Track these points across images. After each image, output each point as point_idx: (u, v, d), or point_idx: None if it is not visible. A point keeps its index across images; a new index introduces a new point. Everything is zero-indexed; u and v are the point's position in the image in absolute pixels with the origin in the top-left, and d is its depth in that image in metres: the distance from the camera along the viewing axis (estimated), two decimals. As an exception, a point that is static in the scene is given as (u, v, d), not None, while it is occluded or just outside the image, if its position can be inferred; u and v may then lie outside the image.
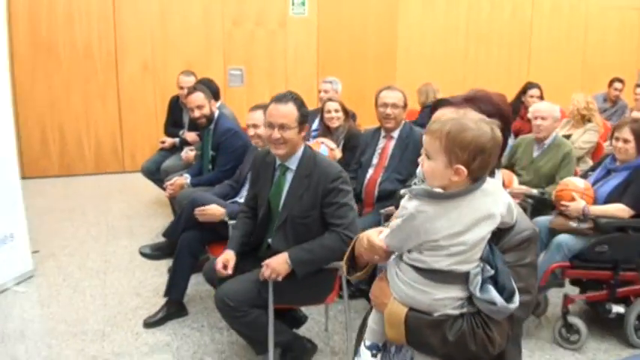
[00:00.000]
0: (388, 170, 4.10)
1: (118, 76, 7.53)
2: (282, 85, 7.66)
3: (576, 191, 3.74)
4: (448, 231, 1.52)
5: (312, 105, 5.32)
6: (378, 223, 3.98)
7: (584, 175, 4.09)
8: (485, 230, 1.54)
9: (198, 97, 4.56)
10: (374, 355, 1.74)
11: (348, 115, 4.81)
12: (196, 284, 4.21)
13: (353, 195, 3.11)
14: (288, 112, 2.99)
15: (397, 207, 3.56)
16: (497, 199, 1.57)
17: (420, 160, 1.61)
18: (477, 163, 1.51)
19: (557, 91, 6.79)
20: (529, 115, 4.83)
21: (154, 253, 4.67)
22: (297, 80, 7.86)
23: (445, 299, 1.57)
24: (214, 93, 5.00)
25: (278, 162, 3.14)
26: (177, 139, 5.88)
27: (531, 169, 4.61)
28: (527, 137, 4.85)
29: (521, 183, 4.52)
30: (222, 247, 3.35)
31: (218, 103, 4.97)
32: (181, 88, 5.61)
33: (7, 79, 4.30)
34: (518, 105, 6.31)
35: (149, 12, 7.45)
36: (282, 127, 2.98)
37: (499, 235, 1.60)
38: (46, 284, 4.44)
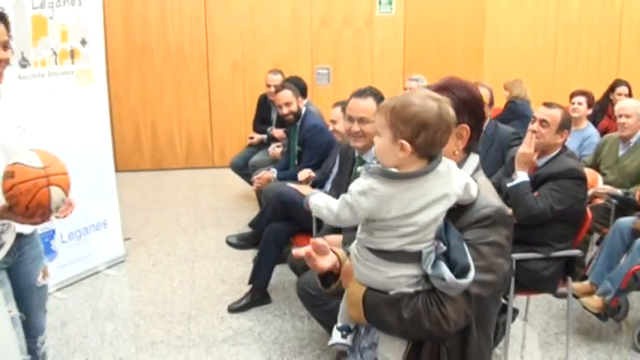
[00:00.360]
0: (473, 167, 4.05)
1: (209, 76, 7.80)
2: (367, 84, 7.54)
3: (660, 192, 3.61)
4: (399, 212, 1.50)
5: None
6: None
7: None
8: (438, 211, 1.52)
9: (286, 95, 4.69)
10: (344, 336, 1.74)
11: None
12: (280, 274, 4.32)
13: None
14: (368, 106, 3.12)
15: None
16: (451, 179, 1.54)
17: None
18: (421, 138, 1.49)
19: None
20: (615, 113, 4.66)
21: (240, 242, 4.81)
22: (383, 78, 7.85)
23: (399, 277, 1.54)
24: (301, 90, 5.10)
25: (357, 154, 3.21)
26: (265, 136, 6.03)
27: (616, 169, 4.46)
28: (612, 136, 4.69)
29: (605, 183, 4.39)
30: (307, 238, 3.41)
31: (305, 101, 5.06)
32: (269, 86, 5.75)
33: (104, 80, 4.56)
34: (606, 103, 6.10)
35: (239, 13, 7.67)
36: (361, 120, 3.12)
37: (459, 211, 1.57)
38: (136, 269, 4.68)
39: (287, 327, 3.77)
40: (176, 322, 3.83)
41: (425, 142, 1.49)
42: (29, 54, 3.99)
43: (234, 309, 3.98)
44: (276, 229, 3.99)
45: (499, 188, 3.39)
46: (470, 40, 8.21)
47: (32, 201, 1.97)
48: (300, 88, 5.03)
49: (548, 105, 3.35)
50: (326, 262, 1.71)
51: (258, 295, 4.05)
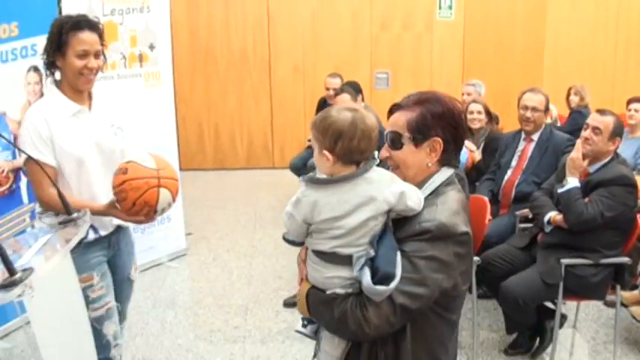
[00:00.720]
0: (526, 172, 4.07)
1: (271, 78, 8.02)
2: (426, 88, 7.58)
3: None
4: (328, 215, 1.60)
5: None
6: (512, 225, 3.99)
7: None
8: (365, 215, 1.59)
9: (345, 98, 4.82)
10: (304, 326, 1.82)
11: (491, 117, 4.81)
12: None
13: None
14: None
15: (530, 209, 3.58)
16: (381, 187, 1.60)
17: None
18: (338, 147, 1.59)
19: None
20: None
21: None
22: (442, 83, 7.87)
23: (334, 278, 1.63)
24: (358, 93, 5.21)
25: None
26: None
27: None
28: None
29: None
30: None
31: (362, 104, 5.17)
32: (328, 89, 5.89)
33: (170, 82, 4.82)
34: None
35: (301, 17, 7.86)
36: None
37: (403, 222, 1.63)
38: (197, 262, 4.92)
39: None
40: (233, 313, 4.03)
41: (343, 150, 1.60)
42: (100, 58, 4.28)
43: (289, 303, 4.15)
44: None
45: (551, 194, 3.44)
46: (529, 44, 8.13)
47: (140, 198, 2.11)
48: (356, 91, 5.14)
49: (601, 112, 3.36)
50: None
51: (312, 291, 4.19)
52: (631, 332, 3.80)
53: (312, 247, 1.68)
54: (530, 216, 3.82)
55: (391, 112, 1.79)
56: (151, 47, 4.53)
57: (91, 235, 2.45)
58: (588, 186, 3.27)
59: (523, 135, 4.17)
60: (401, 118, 1.71)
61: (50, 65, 2.39)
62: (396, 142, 1.71)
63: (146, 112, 4.52)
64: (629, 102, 5.16)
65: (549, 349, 3.49)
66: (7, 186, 3.73)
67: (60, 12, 4.08)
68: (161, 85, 4.68)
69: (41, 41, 3.81)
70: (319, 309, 1.67)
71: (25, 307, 1.60)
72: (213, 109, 8.03)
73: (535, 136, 4.10)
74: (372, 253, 1.58)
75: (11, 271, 1.52)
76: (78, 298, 2.06)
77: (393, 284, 1.54)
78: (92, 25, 2.39)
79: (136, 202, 2.12)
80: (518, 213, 3.93)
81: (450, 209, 1.63)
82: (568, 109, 6.28)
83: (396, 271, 1.55)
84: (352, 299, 1.60)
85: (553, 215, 3.35)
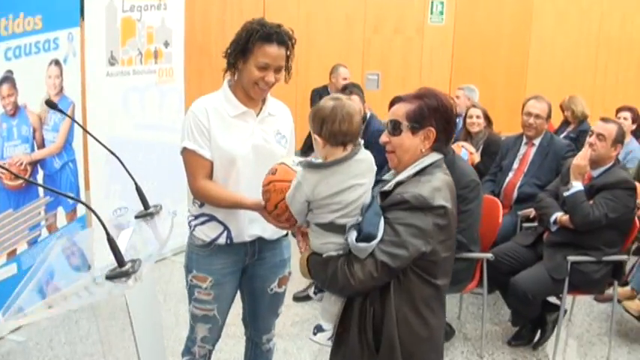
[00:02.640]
0: (528, 175, 4.30)
1: (264, 76, 8.08)
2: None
3: None
4: (328, 192, 1.87)
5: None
6: (514, 224, 4.21)
7: None
8: (361, 191, 1.89)
9: (355, 100, 4.97)
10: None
11: (490, 122, 5.02)
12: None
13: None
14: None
15: (535, 209, 3.79)
16: (370, 164, 1.94)
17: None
18: (324, 131, 1.89)
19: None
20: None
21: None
22: (430, 86, 8.01)
23: (329, 243, 1.91)
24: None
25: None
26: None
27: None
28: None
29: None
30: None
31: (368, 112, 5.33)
32: (345, 79, 6.16)
33: (182, 79, 4.89)
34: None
35: (296, 17, 7.95)
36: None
37: (388, 194, 1.92)
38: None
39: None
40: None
41: (328, 132, 1.89)
42: (117, 53, 4.35)
43: (298, 297, 4.30)
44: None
45: (557, 195, 3.67)
46: (515, 53, 8.38)
47: (282, 201, 2.02)
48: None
49: (605, 120, 3.61)
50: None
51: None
52: (622, 325, 4.07)
53: (313, 220, 1.95)
54: (532, 216, 4.06)
55: (392, 103, 2.11)
56: (166, 44, 4.63)
57: (222, 240, 2.46)
58: (592, 189, 3.51)
59: (525, 139, 4.39)
60: (401, 109, 1.97)
61: (231, 66, 2.37)
62: (395, 128, 1.95)
63: (159, 108, 4.63)
64: (618, 110, 5.45)
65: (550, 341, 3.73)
66: (26, 178, 3.75)
67: (82, 7, 4.16)
68: (173, 82, 4.78)
69: (63, 35, 3.95)
70: (317, 269, 1.94)
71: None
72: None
73: (536, 141, 4.33)
74: (359, 218, 1.87)
75: (120, 262, 1.60)
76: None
77: (374, 242, 1.81)
78: (282, 40, 2.36)
79: (277, 204, 2.06)
80: (520, 213, 4.16)
81: (431, 186, 1.87)
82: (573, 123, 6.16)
83: (378, 232, 1.82)
84: (342, 258, 1.87)
85: (559, 216, 3.57)
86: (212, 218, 2.46)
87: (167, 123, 4.73)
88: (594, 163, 3.55)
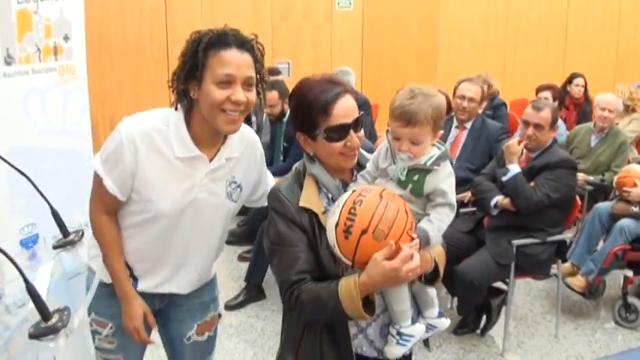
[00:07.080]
0: (460, 159, 4.19)
1: (169, 71, 7.58)
2: (327, 78, 7.74)
3: (638, 177, 3.91)
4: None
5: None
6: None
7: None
8: None
9: (273, 96, 4.75)
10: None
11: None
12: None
13: None
14: None
15: (473, 194, 3.70)
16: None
17: None
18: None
19: (593, 82, 6.80)
20: (595, 105, 4.97)
21: (229, 238, 4.82)
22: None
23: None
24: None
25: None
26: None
27: (589, 158, 4.76)
28: (584, 126, 5.00)
29: (579, 171, 4.67)
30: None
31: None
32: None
33: (85, 77, 4.46)
34: (564, 95, 6.32)
35: (200, 6, 7.59)
36: None
37: None
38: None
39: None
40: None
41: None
42: (14, 50, 3.87)
43: (230, 306, 4.02)
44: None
45: (494, 179, 3.59)
46: (424, 36, 8.42)
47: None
48: (284, 95, 5.05)
49: (536, 108, 3.48)
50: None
51: (254, 291, 4.10)
52: (564, 302, 4.08)
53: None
54: (466, 200, 3.98)
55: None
56: (66, 38, 4.16)
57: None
58: (532, 170, 3.46)
59: (455, 123, 4.29)
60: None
61: (181, 95, 1.84)
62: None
63: (62, 111, 4.17)
64: (538, 90, 5.51)
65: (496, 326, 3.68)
66: None
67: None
68: (76, 80, 4.31)
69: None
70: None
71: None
72: (108, 103, 7.52)
73: (468, 124, 4.23)
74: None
75: (45, 315, 1.21)
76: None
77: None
78: (243, 43, 1.77)
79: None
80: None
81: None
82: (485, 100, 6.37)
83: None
84: None
85: (500, 199, 3.50)
86: None
87: (72, 127, 4.27)
88: (533, 148, 3.50)
